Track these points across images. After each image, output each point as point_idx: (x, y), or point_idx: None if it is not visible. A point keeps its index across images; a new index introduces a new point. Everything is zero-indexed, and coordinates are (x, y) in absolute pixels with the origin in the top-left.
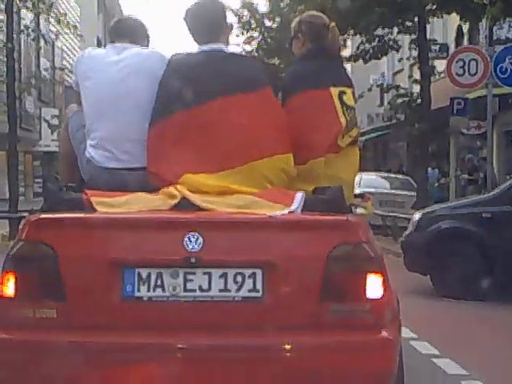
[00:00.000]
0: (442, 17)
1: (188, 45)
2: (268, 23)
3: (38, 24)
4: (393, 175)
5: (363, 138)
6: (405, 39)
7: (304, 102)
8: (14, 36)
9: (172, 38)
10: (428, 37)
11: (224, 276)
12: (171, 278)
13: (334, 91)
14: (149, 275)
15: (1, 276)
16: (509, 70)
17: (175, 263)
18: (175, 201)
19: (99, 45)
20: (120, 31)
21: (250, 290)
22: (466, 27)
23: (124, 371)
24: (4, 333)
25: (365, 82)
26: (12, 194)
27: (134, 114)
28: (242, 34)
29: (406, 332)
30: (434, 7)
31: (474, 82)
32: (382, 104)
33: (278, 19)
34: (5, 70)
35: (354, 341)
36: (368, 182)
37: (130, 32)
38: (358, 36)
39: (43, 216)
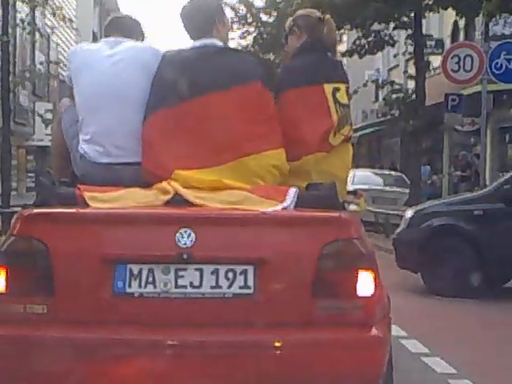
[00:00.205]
0: (439, 12)
1: (185, 42)
2: (264, 18)
3: (33, 17)
4: (386, 172)
5: (357, 134)
6: (401, 34)
7: (296, 98)
8: (10, 30)
9: (170, 36)
10: (424, 32)
11: (215, 272)
12: (162, 274)
13: (328, 88)
14: (140, 271)
15: None
16: (504, 66)
17: (167, 259)
18: (168, 196)
19: (95, 39)
20: (115, 27)
21: (241, 287)
22: (462, 23)
23: (114, 367)
24: None
25: (360, 78)
26: (4, 189)
27: (127, 108)
28: (238, 28)
29: (395, 330)
30: (431, 2)
31: (469, 78)
32: (376, 100)
33: (274, 13)
34: None
35: (345, 338)
36: (361, 178)
37: (124, 28)
38: (354, 31)
39: (35, 211)
